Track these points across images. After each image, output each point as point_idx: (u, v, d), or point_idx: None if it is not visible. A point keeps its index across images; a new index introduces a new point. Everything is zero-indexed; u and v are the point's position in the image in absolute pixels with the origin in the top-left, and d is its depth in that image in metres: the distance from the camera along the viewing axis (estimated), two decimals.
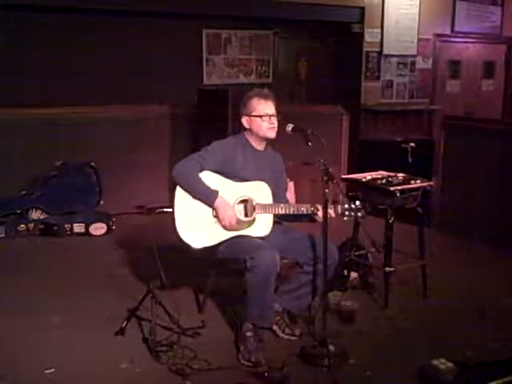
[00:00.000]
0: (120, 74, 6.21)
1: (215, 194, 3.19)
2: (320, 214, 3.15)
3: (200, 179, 3.22)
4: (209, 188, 3.21)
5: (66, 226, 5.31)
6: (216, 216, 3.23)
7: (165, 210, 3.55)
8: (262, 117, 3.26)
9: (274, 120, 3.30)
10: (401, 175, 3.92)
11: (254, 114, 3.28)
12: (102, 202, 5.69)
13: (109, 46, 6.21)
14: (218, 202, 3.19)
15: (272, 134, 3.31)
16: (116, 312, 3.56)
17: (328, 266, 3.09)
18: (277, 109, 3.33)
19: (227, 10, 6.12)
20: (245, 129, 3.36)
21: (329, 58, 7.41)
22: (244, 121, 3.33)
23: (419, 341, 3.33)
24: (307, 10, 6.42)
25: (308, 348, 3.11)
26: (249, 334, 3.12)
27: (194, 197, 3.23)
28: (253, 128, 3.31)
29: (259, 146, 3.38)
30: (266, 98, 3.31)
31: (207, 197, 3.21)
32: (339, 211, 3.22)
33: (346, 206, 3.22)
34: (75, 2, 5.49)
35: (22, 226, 5.28)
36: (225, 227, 3.22)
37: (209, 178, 3.25)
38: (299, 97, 7.51)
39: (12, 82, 5.72)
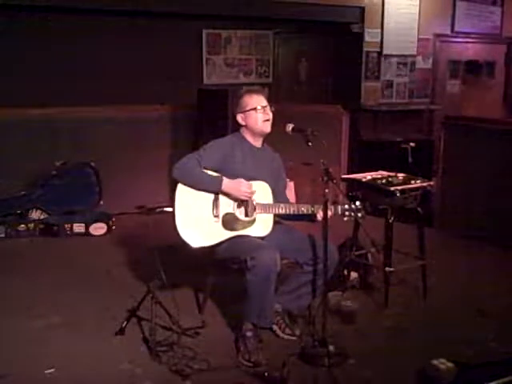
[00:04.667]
0: (120, 74, 6.22)
1: (220, 179, 3.19)
2: (319, 214, 3.16)
3: (201, 171, 3.22)
4: (212, 175, 3.22)
5: (65, 226, 5.31)
6: (216, 215, 3.23)
7: (165, 209, 3.55)
8: (256, 109, 3.28)
9: (269, 111, 3.32)
10: (401, 175, 3.92)
11: (247, 108, 3.30)
12: (101, 202, 5.69)
13: (109, 46, 6.22)
14: (225, 185, 3.19)
15: (267, 128, 3.33)
16: (116, 312, 3.57)
17: (328, 266, 3.10)
18: (269, 103, 3.35)
19: (227, 10, 6.12)
20: (241, 126, 3.37)
21: (329, 58, 7.41)
22: (239, 118, 3.35)
23: (419, 341, 3.33)
24: (307, 10, 6.42)
25: (308, 348, 3.11)
26: (249, 334, 3.12)
27: (199, 190, 3.23)
28: (248, 123, 3.32)
29: (256, 143, 3.39)
30: (256, 92, 3.35)
31: (213, 184, 3.21)
32: (339, 211, 3.23)
33: (346, 206, 3.22)
34: (75, 2, 5.49)
35: (22, 225, 5.28)
36: (247, 203, 3.21)
37: None
38: (299, 97, 7.51)
39: (12, 82, 5.72)
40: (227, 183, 3.20)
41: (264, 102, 3.33)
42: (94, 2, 5.53)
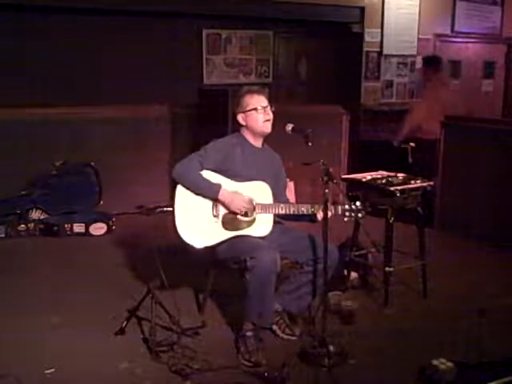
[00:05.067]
0: (120, 74, 6.21)
1: (218, 187, 3.19)
2: (320, 214, 3.16)
3: (201, 175, 3.22)
4: (211, 182, 3.21)
5: (65, 226, 5.31)
6: (216, 215, 3.23)
7: (165, 209, 3.55)
8: (257, 109, 3.28)
9: (269, 111, 3.31)
10: (401, 175, 3.92)
11: (248, 108, 3.30)
12: (101, 202, 5.69)
13: (109, 46, 6.21)
14: (221, 195, 3.19)
15: (268, 128, 3.32)
16: (116, 312, 3.56)
17: (328, 265, 3.09)
18: (270, 103, 3.34)
19: (227, 10, 6.12)
20: (241, 126, 3.37)
21: (329, 58, 7.41)
22: (240, 118, 3.34)
23: (419, 341, 3.33)
24: (307, 10, 6.42)
25: (308, 348, 3.11)
26: (249, 334, 3.12)
27: (197, 194, 3.23)
28: (249, 123, 3.32)
29: (256, 143, 3.39)
30: (257, 92, 3.35)
31: (210, 191, 3.21)
32: (339, 212, 3.22)
33: (347, 206, 3.22)
34: (75, 2, 5.49)
35: (22, 226, 5.28)
36: (241, 215, 3.21)
37: (209, 178, 3.25)
38: (299, 97, 7.51)
39: (12, 82, 5.72)
40: (224, 193, 3.19)
41: (265, 102, 3.32)
42: (94, 2, 5.52)
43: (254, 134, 3.35)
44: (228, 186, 3.25)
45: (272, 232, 3.27)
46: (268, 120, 3.31)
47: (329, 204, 3.07)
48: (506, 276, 4.37)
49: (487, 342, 3.26)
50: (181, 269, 4.00)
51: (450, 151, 5.46)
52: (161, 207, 3.96)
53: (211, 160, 3.26)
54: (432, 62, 6.28)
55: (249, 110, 3.30)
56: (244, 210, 3.21)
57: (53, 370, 2.97)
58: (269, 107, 3.32)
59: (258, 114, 3.29)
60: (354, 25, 6.87)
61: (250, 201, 3.23)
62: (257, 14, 6.39)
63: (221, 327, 3.47)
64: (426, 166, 5.61)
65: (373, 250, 4.02)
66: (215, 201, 3.23)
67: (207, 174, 3.25)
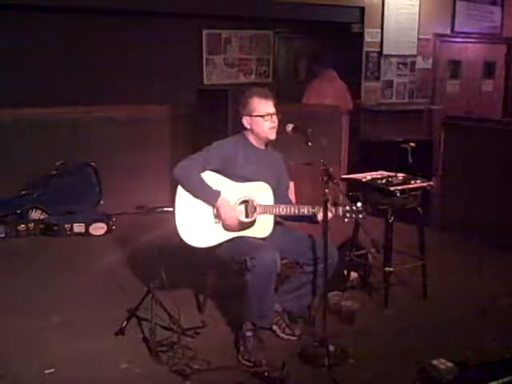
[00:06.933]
0: (120, 73, 6.21)
1: (217, 194, 3.19)
2: (320, 215, 3.15)
3: (202, 179, 3.22)
4: (211, 188, 3.21)
5: (65, 226, 5.30)
6: (217, 216, 3.23)
7: (165, 209, 3.55)
8: (264, 116, 3.26)
9: (275, 119, 3.30)
10: (401, 175, 3.92)
11: (255, 114, 3.28)
12: (102, 202, 5.69)
13: (109, 46, 6.22)
14: (219, 203, 3.19)
15: (273, 136, 3.31)
16: (116, 312, 3.56)
17: (328, 266, 3.10)
18: (275, 107, 3.33)
19: (227, 10, 6.13)
20: (245, 128, 3.36)
21: (329, 58, 7.41)
22: (245, 121, 3.32)
23: (419, 341, 3.33)
24: (307, 10, 6.43)
25: (308, 348, 3.11)
26: (249, 334, 3.12)
27: (196, 197, 3.23)
28: (254, 128, 3.31)
29: (259, 145, 3.39)
30: (266, 97, 3.31)
31: (209, 197, 3.21)
32: (340, 213, 3.22)
33: (347, 207, 3.21)
34: (75, 2, 5.49)
35: (22, 225, 5.27)
36: (225, 227, 3.22)
37: (210, 179, 3.25)
38: (299, 96, 7.52)
39: (12, 81, 5.72)
40: (221, 201, 3.18)
41: (272, 109, 3.29)
42: (94, 2, 5.53)
43: (258, 138, 3.35)
44: (229, 187, 3.25)
45: (272, 232, 3.26)
46: (274, 127, 3.30)
47: (329, 205, 3.07)
48: (506, 276, 4.36)
49: (487, 341, 3.27)
50: (181, 269, 3.99)
51: (450, 151, 5.46)
52: (161, 207, 3.96)
53: (213, 161, 3.25)
54: (318, 61, 6.77)
55: (255, 116, 3.28)
56: (229, 227, 3.20)
57: (53, 370, 2.96)
58: (275, 115, 3.30)
59: (264, 122, 3.27)
60: (354, 25, 6.88)
61: (240, 223, 3.21)
62: (257, 13, 6.40)
63: (221, 327, 3.46)
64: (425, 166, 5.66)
65: (373, 250, 4.02)
66: (212, 206, 3.23)
67: (209, 175, 3.25)
